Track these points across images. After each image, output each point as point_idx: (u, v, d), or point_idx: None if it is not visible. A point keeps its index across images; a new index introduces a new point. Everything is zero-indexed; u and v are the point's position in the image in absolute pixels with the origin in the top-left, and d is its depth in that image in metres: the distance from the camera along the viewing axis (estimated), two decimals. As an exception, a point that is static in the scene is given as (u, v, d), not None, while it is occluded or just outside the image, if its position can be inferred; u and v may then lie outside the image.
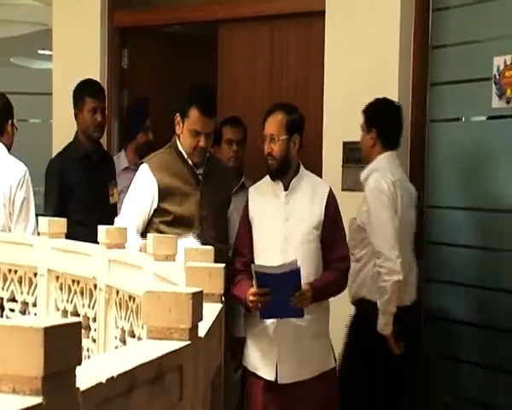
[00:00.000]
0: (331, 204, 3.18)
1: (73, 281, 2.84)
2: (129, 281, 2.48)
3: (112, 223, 3.63)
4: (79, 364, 0.88)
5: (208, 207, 3.26)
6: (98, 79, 4.56)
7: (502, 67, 3.50)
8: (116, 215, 3.93)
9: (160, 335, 1.26)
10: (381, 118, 3.40)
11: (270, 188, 3.23)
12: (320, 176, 3.81)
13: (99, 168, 4.06)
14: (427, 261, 3.78)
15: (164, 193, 3.21)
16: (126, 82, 4.95)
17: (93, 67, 4.76)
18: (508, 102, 3.48)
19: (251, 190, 3.31)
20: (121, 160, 4.48)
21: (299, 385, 3.10)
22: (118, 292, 2.56)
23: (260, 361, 3.12)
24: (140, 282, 2.34)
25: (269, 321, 3.09)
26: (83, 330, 2.73)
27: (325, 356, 3.18)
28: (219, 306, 1.67)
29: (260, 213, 3.21)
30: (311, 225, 3.14)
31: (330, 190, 3.21)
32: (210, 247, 2.16)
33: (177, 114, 3.29)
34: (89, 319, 2.76)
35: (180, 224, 3.18)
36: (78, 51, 4.85)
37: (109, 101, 4.66)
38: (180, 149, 3.28)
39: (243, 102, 4.41)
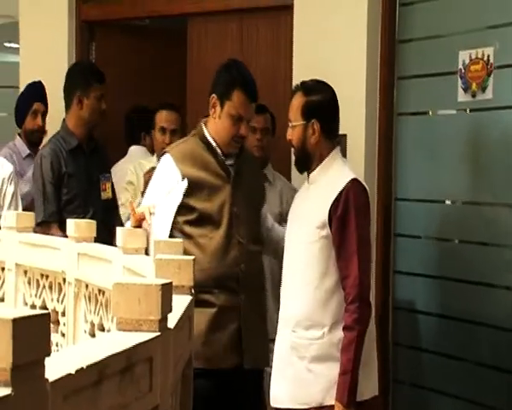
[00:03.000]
0: (343, 201, 2.68)
1: (42, 275, 2.82)
2: (98, 275, 2.47)
3: (105, 220, 3.44)
4: (48, 355, 0.88)
5: (240, 204, 2.92)
6: (65, 73, 4.53)
7: (467, 62, 3.54)
8: (111, 212, 3.78)
9: (129, 326, 1.25)
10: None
11: (304, 185, 2.92)
12: (289, 171, 3.80)
13: (90, 160, 3.80)
14: (395, 254, 3.83)
15: (189, 187, 2.85)
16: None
17: (60, 60, 4.71)
18: (473, 96, 3.52)
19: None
20: (19, 146, 4.27)
21: None
22: (87, 286, 2.55)
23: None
24: (109, 275, 2.33)
25: None
26: (52, 325, 2.71)
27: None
28: (189, 298, 1.68)
29: (290, 215, 2.92)
30: (314, 224, 2.73)
31: (349, 184, 2.71)
32: (177, 239, 2.15)
33: (214, 95, 2.92)
34: (58, 313, 2.74)
35: (207, 222, 2.86)
36: (46, 44, 4.80)
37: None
38: (208, 137, 2.94)
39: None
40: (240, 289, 2.90)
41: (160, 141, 3.95)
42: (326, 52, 3.87)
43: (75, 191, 3.71)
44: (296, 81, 3.94)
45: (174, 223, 2.87)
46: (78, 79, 3.81)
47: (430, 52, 3.76)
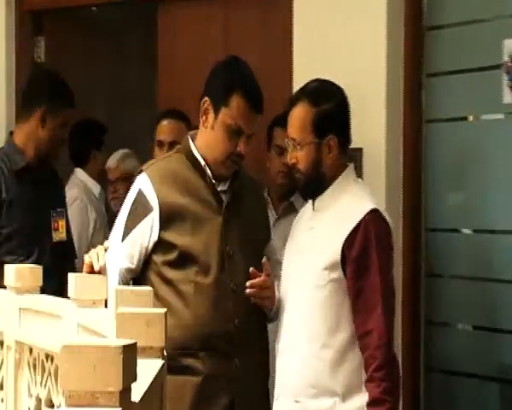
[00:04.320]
0: (361, 237, 2.68)
1: (-27, 338, 2.82)
2: (46, 335, 2.47)
3: (57, 268, 3.44)
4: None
5: (235, 241, 2.90)
6: (4, 77, 4.58)
7: (515, 52, 3.57)
8: (65, 258, 3.77)
9: (82, 401, 1.26)
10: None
11: (306, 210, 2.93)
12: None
13: (42, 190, 3.77)
14: (426, 300, 3.84)
15: (168, 217, 2.83)
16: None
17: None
18: (523, 96, 3.56)
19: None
20: None
21: None
22: (31, 350, 2.55)
23: None
24: (60, 336, 2.34)
25: None
26: (-14, 402, 2.71)
27: None
28: (159, 362, 1.69)
29: (288, 244, 2.95)
30: (322, 264, 2.72)
31: (368, 215, 2.70)
32: (144, 287, 2.16)
33: (206, 99, 2.93)
34: (-6, 386, 2.74)
35: (190, 264, 2.82)
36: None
37: (17, 104, 4.66)
38: (195, 153, 2.93)
39: (192, 96, 4.42)
40: (233, 351, 2.89)
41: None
42: (335, 44, 3.90)
43: (16, 225, 3.68)
44: (297, 81, 4.00)
45: (152, 264, 2.88)
46: (49, 92, 3.80)
47: (468, 42, 3.80)
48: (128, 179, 4.52)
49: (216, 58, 4.37)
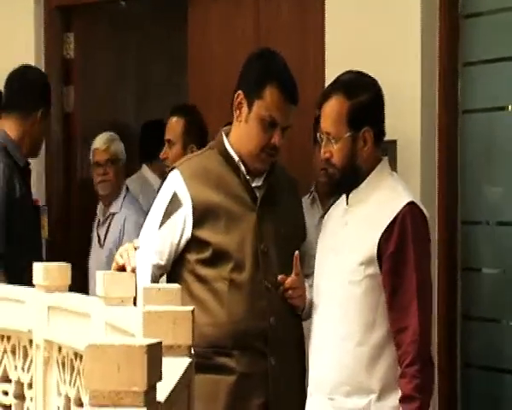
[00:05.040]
0: (398, 232, 2.67)
1: (2, 337, 2.83)
2: (74, 334, 2.47)
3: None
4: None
5: (270, 239, 2.89)
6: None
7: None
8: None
9: (106, 401, 1.26)
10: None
11: (339, 205, 2.90)
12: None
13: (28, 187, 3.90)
14: (463, 295, 3.80)
15: (201, 214, 2.83)
16: (71, 76, 4.97)
17: (26, 58, 4.77)
18: None
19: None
20: None
21: None
22: (60, 349, 2.56)
23: None
24: (88, 334, 2.34)
25: None
26: (15, 401, 2.72)
27: None
28: (187, 361, 1.67)
29: (321, 243, 2.91)
30: (357, 259, 2.71)
31: (405, 208, 2.69)
32: (173, 285, 2.14)
33: (239, 92, 2.92)
34: (23, 385, 2.75)
35: (225, 262, 2.83)
36: (8, 37, 4.87)
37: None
38: (229, 149, 2.92)
39: (221, 92, 4.42)
40: (268, 350, 2.87)
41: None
42: (368, 34, 3.88)
43: (26, 225, 3.76)
44: (329, 75, 3.97)
45: (183, 262, 2.88)
46: (46, 94, 3.99)
47: (505, 29, 3.74)
48: (117, 162, 4.57)
49: (246, 53, 4.38)
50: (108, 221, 4.51)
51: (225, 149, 2.93)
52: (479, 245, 3.81)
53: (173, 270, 2.92)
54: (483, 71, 3.82)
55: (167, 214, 2.87)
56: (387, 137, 3.00)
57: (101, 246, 4.49)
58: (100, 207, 4.59)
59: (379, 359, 2.70)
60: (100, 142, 4.63)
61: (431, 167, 3.79)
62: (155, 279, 2.86)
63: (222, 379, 2.83)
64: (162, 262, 2.88)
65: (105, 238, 4.48)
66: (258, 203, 2.90)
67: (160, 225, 2.87)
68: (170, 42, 5.52)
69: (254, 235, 2.87)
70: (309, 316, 2.94)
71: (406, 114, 3.70)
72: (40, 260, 3.47)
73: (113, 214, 4.51)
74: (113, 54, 5.25)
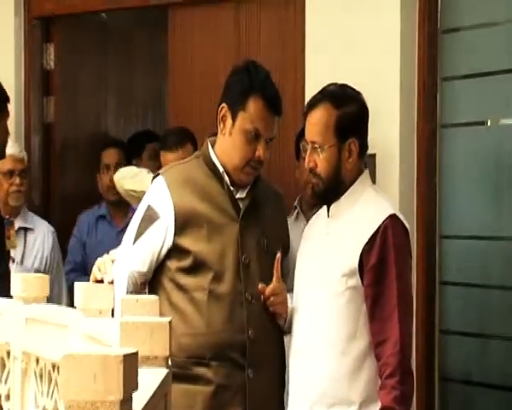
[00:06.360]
0: (379, 245, 2.70)
1: (-21, 348, 2.83)
2: (52, 345, 2.48)
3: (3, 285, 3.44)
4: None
5: (252, 250, 2.90)
6: (13, 85, 4.60)
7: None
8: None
9: (82, 411, 1.27)
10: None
11: (320, 215, 2.93)
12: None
13: None
14: (442, 309, 3.83)
15: (183, 222, 2.84)
16: (52, 87, 4.99)
17: (5, 68, 4.78)
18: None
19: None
20: None
21: None
22: (38, 360, 2.56)
23: None
24: (66, 346, 2.34)
25: None
26: (-8, 413, 2.72)
27: None
28: (163, 371, 1.69)
29: (301, 250, 2.94)
30: (339, 271, 2.74)
31: (386, 221, 2.73)
32: (151, 296, 2.16)
33: (223, 105, 2.93)
34: (0, 396, 2.74)
35: (205, 271, 2.84)
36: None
37: (27, 111, 4.69)
38: (214, 160, 2.94)
39: (201, 103, 4.45)
40: (246, 362, 2.88)
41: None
42: (347, 47, 3.90)
43: None
44: (310, 84, 4.00)
45: (166, 269, 2.89)
46: (6, 95, 3.83)
47: (484, 44, 3.78)
48: (28, 172, 4.44)
49: (227, 61, 4.41)
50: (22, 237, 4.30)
51: (211, 159, 2.95)
52: (457, 259, 3.83)
53: (154, 277, 2.94)
54: (462, 85, 3.85)
55: (149, 222, 2.88)
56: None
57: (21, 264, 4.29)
58: None
59: (361, 370, 2.72)
60: (17, 149, 4.38)
61: (410, 182, 3.82)
62: (136, 285, 2.88)
63: (199, 390, 2.84)
64: (144, 270, 2.90)
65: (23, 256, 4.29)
66: (240, 215, 2.92)
67: (142, 233, 2.89)
68: (151, 52, 5.55)
69: (236, 246, 2.88)
70: (291, 330, 2.95)
71: (385, 129, 3.72)
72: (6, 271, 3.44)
73: (25, 229, 4.33)
74: (93, 64, 5.25)
